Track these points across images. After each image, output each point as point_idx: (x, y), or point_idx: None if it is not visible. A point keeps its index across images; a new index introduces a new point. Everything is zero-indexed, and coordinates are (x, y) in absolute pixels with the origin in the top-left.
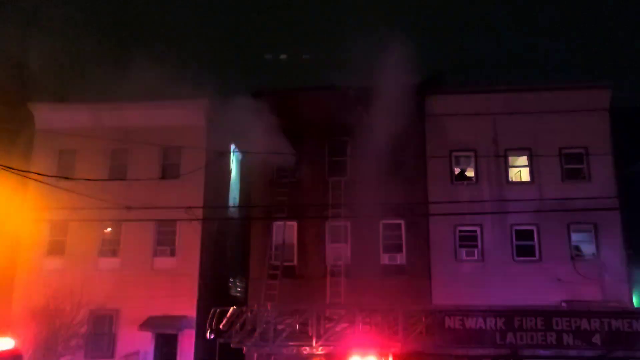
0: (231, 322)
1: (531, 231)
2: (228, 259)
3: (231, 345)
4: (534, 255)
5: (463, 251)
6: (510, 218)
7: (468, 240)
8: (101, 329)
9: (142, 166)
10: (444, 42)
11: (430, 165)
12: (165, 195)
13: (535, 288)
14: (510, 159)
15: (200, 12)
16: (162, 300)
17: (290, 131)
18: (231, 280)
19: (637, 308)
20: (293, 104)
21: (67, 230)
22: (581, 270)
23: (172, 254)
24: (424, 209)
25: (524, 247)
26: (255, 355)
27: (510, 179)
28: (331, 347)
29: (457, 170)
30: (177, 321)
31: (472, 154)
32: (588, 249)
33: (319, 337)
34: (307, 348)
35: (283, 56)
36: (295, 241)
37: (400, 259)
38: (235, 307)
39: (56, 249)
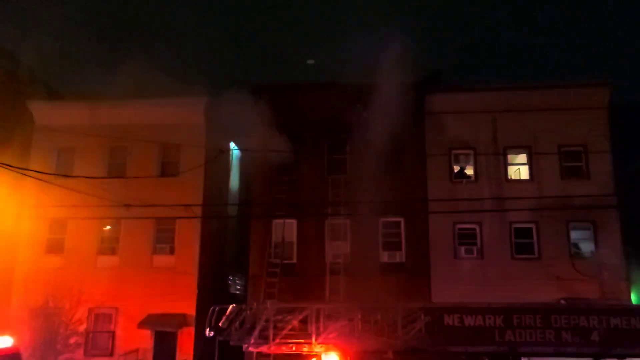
0: (230, 320)
1: (530, 229)
2: (227, 257)
3: (230, 343)
4: (533, 253)
5: (462, 249)
6: (510, 216)
7: (467, 238)
8: (100, 327)
9: (141, 164)
10: (444, 40)
11: (430, 163)
12: (164, 193)
13: (534, 285)
14: (510, 157)
15: (200, 12)
16: (161, 298)
17: (290, 129)
18: (230, 278)
19: (635, 305)
20: (292, 102)
21: (66, 228)
22: (580, 268)
23: (172, 252)
24: (424, 207)
25: (523, 244)
26: (255, 353)
27: (509, 177)
28: (330, 345)
29: (456, 168)
30: (177, 319)
31: (471, 151)
32: (587, 246)
33: (318, 335)
34: (307, 346)
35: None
36: (294, 239)
37: (400, 256)
38: (234, 304)
39: (55, 247)
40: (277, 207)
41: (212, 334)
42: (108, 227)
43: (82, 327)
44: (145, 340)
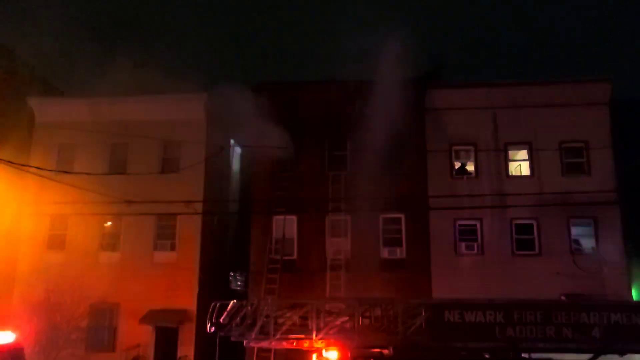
0: (231, 316)
1: (531, 225)
2: (228, 253)
3: (231, 339)
4: (533, 249)
5: (463, 245)
6: (510, 212)
7: (468, 234)
8: (102, 323)
9: (142, 160)
10: (444, 38)
11: (430, 159)
12: (165, 190)
13: (535, 282)
14: (510, 153)
15: (200, 10)
16: (162, 294)
17: (291, 125)
18: (231, 274)
19: (636, 301)
20: (293, 98)
21: (68, 225)
22: (581, 264)
23: (172, 248)
24: (424, 203)
25: (524, 241)
26: (256, 348)
27: (510, 173)
28: (331, 341)
29: (457, 164)
30: (178, 315)
31: (472, 147)
32: (587, 242)
33: (319, 331)
34: (307, 341)
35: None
36: (295, 235)
37: (400, 252)
38: (235, 300)
39: (56, 243)
40: (278, 204)
41: (213, 329)
42: (109, 224)
43: (84, 323)
44: (147, 335)
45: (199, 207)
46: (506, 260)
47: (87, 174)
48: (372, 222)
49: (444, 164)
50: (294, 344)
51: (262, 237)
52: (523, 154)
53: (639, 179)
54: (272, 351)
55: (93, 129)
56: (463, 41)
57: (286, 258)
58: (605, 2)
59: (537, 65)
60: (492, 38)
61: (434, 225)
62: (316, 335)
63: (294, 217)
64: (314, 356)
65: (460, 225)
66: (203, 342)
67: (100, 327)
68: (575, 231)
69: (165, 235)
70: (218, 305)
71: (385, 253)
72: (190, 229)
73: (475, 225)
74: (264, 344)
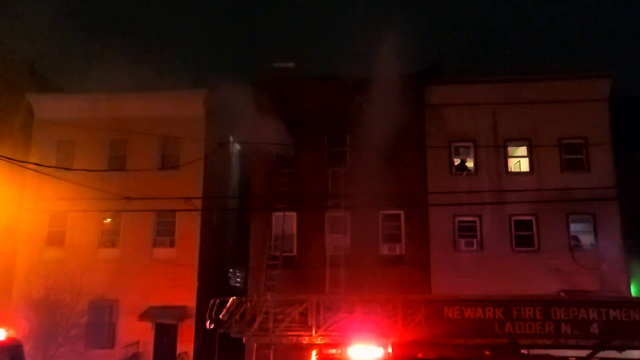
0: (231, 312)
1: (530, 221)
2: (227, 250)
3: (231, 335)
4: (532, 246)
5: (462, 241)
6: (510, 208)
7: (467, 230)
8: (101, 319)
9: (141, 157)
10: (443, 34)
11: (430, 155)
12: (164, 186)
13: (534, 278)
14: (510, 149)
15: (200, 8)
16: (161, 290)
17: (290, 121)
18: (231, 270)
19: (635, 297)
20: (293, 94)
21: (67, 221)
22: (580, 260)
23: (172, 244)
24: (424, 200)
25: (523, 237)
26: (255, 345)
27: (509, 169)
28: (331, 337)
29: (456, 161)
30: (177, 311)
31: (471, 144)
32: (587, 239)
33: (318, 327)
34: (307, 338)
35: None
36: (294, 231)
37: (400, 249)
38: (234, 297)
39: (56, 239)
40: (277, 200)
41: (212, 326)
42: (108, 220)
43: (83, 320)
44: (146, 332)
45: (198, 203)
46: (505, 257)
47: (87, 170)
48: (371, 219)
49: (443, 161)
50: (294, 340)
51: (261, 234)
52: (522, 150)
53: (638, 176)
54: (272, 347)
55: (92, 126)
56: (462, 38)
57: (286, 254)
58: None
59: (537, 62)
60: (492, 35)
61: (433, 221)
62: (316, 332)
63: (293, 214)
64: (314, 352)
65: (459, 221)
66: (203, 338)
67: (99, 324)
68: (574, 227)
69: (164, 231)
70: (218, 301)
71: (384, 249)
72: (189, 226)
73: (475, 221)
74: (264, 341)
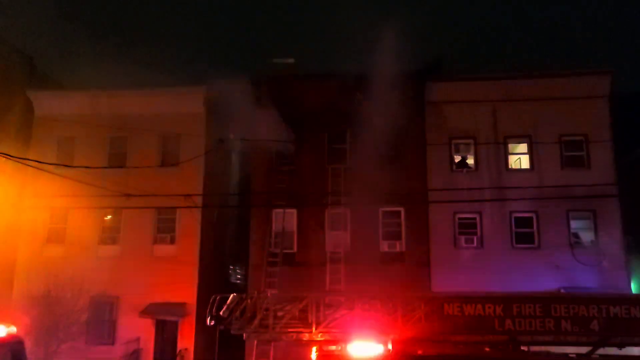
0: (231, 309)
1: (530, 218)
2: (228, 246)
3: (231, 332)
4: (533, 243)
5: (462, 238)
6: (510, 205)
7: (467, 227)
8: (102, 316)
9: (142, 154)
10: (443, 31)
11: (430, 152)
12: (164, 183)
13: (534, 275)
14: (510, 146)
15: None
16: (162, 287)
17: (290, 118)
18: (231, 267)
19: (635, 294)
20: (293, 91)
21: (67, 218)
22: (580, 257)
23: (172, 241)
24: (424, 197)
25: (523, 234)
26: (255, 342)
27: (509, 167)
28: (331, 334)
29: (456, 158)
30: (178, 308)
31: (471, 141)
32: (587, 236)
33: (318, 324)
34: (307, 335)
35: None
36: (295, 228)
37: (400, 246)
38: (235, 294)
39: (56, 236)
40: (277, 197)
41: (212, 322)
42: (109, 217)
43: (84, 316)
44: (147, 329)
45: (198, 200)
46: (505, 254)
47: (87, 167)
48: (371, 216)
49: (443, 157)
50: (294, 337)
51: (261, 231)
52: (523, 147)
53: (638, 172)
54: (272, 344)
55: (92, 122)
56: (462, 38)
57: (286, 251)
58: None
59: (537, 61)
60: (492, 35)
61: (433, 218)
62: (316, 329)
63: (293, 211)
64: (314, 349)
65: (459, 218)
66: (203, 335)
67: (100, 321)
68: (574, 224)
69: (165, 228)
70: (218, 298)
71: (384, 246)
72: (190, 223)
73: (475, 218)
74: (264, 337)
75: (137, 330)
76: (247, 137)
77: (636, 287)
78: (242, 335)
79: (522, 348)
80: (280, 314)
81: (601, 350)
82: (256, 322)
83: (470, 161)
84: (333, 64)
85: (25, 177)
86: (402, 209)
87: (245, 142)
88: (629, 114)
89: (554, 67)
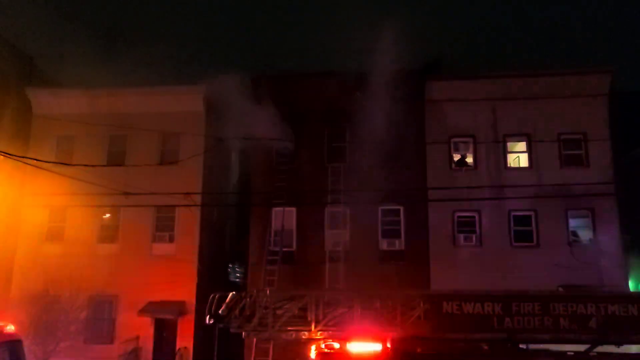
0: (230, 308)
1: (529, 217)
2: (227, 245)
3: (230, 331)
4: (531, 241)
5: (461, 237)
6: (509, 204)
7: (466, 225)
8: (101, 315)
9: (141, 152)
10: (443, 30)
11: (429, 150)
12: (164, 182)
13: (533, 273)
14: (509, 145)
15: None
16: (161, 285)
17: (290, 117)
18: (230, 265)
19: (633, 292)
20: (292, 90)
21: (66, 216)
22: (578, 255)
23: (171, 240)
24: (423, 195)
25: (522, 232)
26: (255, 340)
27: (508, 165)
28: (330, 332)
29: (456, 156)
30: (177, 306)
31: (471, 139)
32: (585, 234)
33: (317, 322)
34: (306, 333)
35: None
36: (294, 227)
37: (399, 244)
38: (234, 292)
39: (55, 234)
40: (277, 195)
41: (212, 321)
42: (108, 215)
43: (83, 315)
44: (146, 327)
45: (197, 198)
46: (504, 252)
47: (86, 165)
48: (371, 214)
49: (443, 156)
50: (293, 335)
51: (261, 229)
52: (522, 145)
53: (637, 171)
54: (271, 342)
55: (91, 121)
56: (462, 37)
57: (285, 250)
58: None
59: (537, 61)
60: (491, 34)
61: (432, 216)
62: (315, 327)
63: (293, 209)
64: (313, 347)
65: (458, 216)
66: (202, 333)
67: (99, 319)
68: (573, 223)
69: (164, 227)
70: (217, 296)
71: (384, 245)
72: (189, 221)
73: (474, 216)
74: (263, 336)
75: (136, 328)
76: (246, 135)
77: (634, 284)
78: (241, 334)
79: (521, 346)
80: (279, 312)
81: (599, 348)
82: (255, 320)
83: (470, 159)
84: (333, 63)
85: (24, 175)
86: (401, 207)
87: (245, 140)
88: (627, 112)
89: (553, 66)
